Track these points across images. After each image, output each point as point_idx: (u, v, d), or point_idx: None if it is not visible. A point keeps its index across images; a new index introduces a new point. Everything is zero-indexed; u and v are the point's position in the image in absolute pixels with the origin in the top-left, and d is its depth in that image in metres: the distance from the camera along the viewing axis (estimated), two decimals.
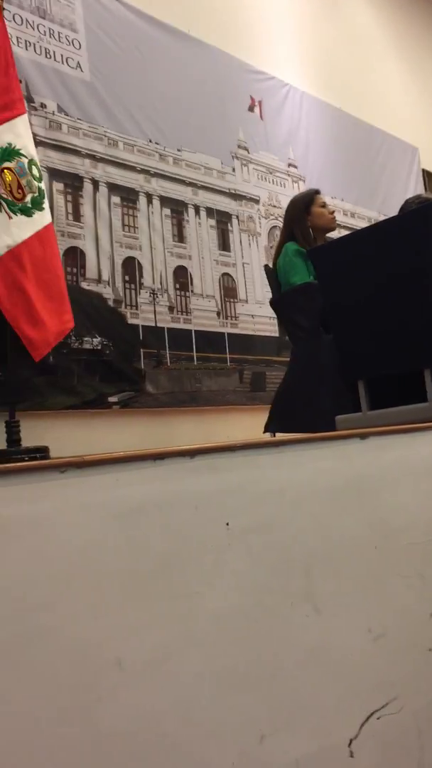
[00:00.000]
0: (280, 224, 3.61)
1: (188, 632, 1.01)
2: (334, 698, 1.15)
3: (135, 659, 0.95)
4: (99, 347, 3.26)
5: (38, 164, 2.81)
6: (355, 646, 1.20)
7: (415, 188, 5.74)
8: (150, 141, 3.72)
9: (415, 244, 1.94)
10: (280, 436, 2.62)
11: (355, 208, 5.18)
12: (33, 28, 3.25)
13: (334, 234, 3.17)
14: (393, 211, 4.76)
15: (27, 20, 3.24)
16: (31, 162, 2.75)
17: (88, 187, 3.39)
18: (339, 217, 3.81)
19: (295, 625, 1.13)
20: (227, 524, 1.08)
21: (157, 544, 1.01)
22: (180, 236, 3.83)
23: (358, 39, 5.63)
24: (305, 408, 2.71)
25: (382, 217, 5.13)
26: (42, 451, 2.65)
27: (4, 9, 2.85)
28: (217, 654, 1.03)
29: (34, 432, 2.79)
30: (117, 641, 0.94)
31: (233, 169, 4.23)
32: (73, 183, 3.32)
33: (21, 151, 2.72)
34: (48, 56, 3.28)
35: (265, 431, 2.94)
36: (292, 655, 1.12)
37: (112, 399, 3.27)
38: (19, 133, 2.74)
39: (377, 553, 1.28)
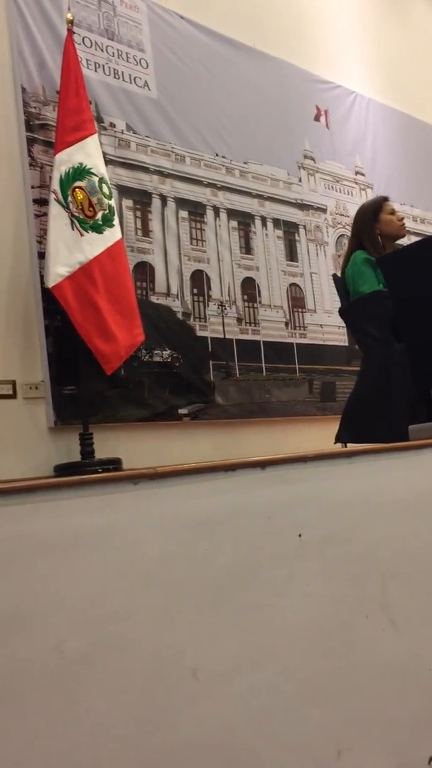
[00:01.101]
0: (348, 233, 3.58)
1: (262, 644, 1.00)
2: (412, 714, 1.13)
3: (210, 669, 0.95)
4: (169, 360, 3.30)
5: (108, 182, 2.89)
6: None
7: None
8: (216, 155, 3.75)
9: None
10: (351, 446, 2.58)
11: (425, 213, 5.08)
12: (102, 50, 3.34)
13: (404, 241, 3.12)
14: None
15: (96, 42, 3.33)
16: (101, 180, 2.83)
17: (156, 202, 3.45)
18: (408, 224, 3.74)
19: (371, 639, 1.11)
20: (300, 535, 1.08)
21: (230, 556, 1.01)
22: (247, 248, 3.84)
23: (423, 43, 5.55)
24: (377, 418, 2.67)
25: None
26: (115, 463, 2.70)
27: (73, 33, 2.95)
28: (292, 666, 1.02)
29: (107, 444, 2.85)
30: (192, 651, 0.95)
31: (300, 179, 4.22)
32: (141, 199, 3.39)
33: (92, 170, 2.80)
34: (117, 77, 3.36)
35: (336, 442, 2.91)
36: (368, 669, 1.10)
37: (183, 411, 3.30)
38: (90, 152, 2.82)
39: None
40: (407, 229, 3.21)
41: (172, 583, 0.96)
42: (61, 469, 2.65)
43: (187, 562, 0.98)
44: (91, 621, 0.89)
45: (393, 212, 3.05)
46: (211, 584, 0.99)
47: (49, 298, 2.68)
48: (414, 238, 3.43)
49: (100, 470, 2.60)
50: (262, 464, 1.07)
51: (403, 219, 3.09)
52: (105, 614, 0.90)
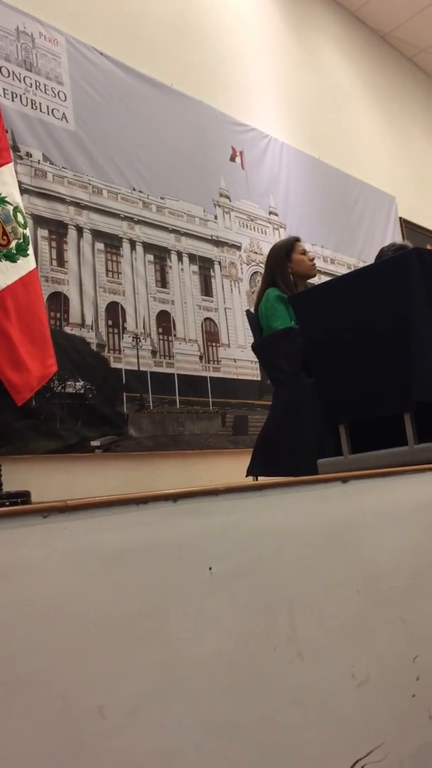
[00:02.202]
0: (262, 270, 3.68)
1: (172, 679, 1.00)
2: (321, 746, 1.14)
3: (117, 707, 0.94)
4: (82, 391, 3.26)
5: (23, 211, 2.86)
6: (340, 692, 1.19)
7: (393, 235, 5.88)
8: (134, 189, 3.79)
9: (394, 290, 1.99)
10: (262, 479, 2.62)
11: (335, 254, 5.28)
12: (20, 81, 3.33)
13: (315, 280, 3.23)
14: (371, 257, 4.87)
15: (14, 72, 3.32)
16: (16, 209, 2.80)
17: (72, 233, 3.44)
18: (319, 264, 3.88)
19: (279, 672, 1.13)
20: (210, 569, 1.08)
21: (141, 590, 1.01)
22: (163, 281, 3.88)
23: (335, 92, 5.82)
24: (287, 451, 2.72)
25: (361, 264, 5.23)
26: (23, 496, 2.63)
27: None
28: (202, 701, 1.02)
29: (16, 476, 2.77)
30: (99, 688, 0.93)
31: (215, 217, 4.31)
32: (57, 229, 3.37)
33: (6, 199, 2.77)
34: (34, 107, 3.36)
35: (247, 475, 2.95)
36: (276, 702, 1.11)
37: (95, 443, 3.26)
38: (5, 181, 2.79)
39: (360, 597, 1.28)
40: (318, 268, 3.33)
41: (81, 618, 0.95)
42: None
43: (98, 597, 0.97)
44: None
45: (304, 252, 3.16)
46: (121, 619, 0.98)
47: None
48: (324, 278, 3.56)
49: (8, 503, 2.53)
50: (174, 497, 1.08)
51: (313, 259, 3.21)
52: (11, 652, 0.88)
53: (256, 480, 2.80)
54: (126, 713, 0.94)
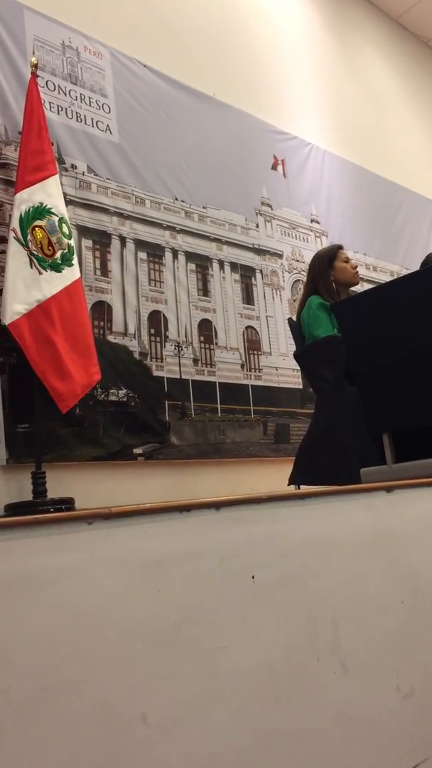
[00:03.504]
0: (304, 278, 3.67)
1: (213, 687, 1.00)
2: (364, 759, 1.13)
3: (160, 714, 0.94)
4: (125, 399, 3.29)
5: (68, 222, 2.91)
6: (384, 705, 1.17)
7: None
8: (176, 199, 3.82)
9: None
10: (304, 488, 2.61)
11: (378, 262, 5.23)
12: (65, 94, 3.40)
13: (358, 288, 3.21)
14: (415, 264, 4.81)
15: (59, 86, 3.38)
16: (61, 220, 2.85)
17: (115, 243, 3.48)
18: (362, 271, 3.84)
19: (322, 683, 1.12)
20: (253, 577, 1.08)
21: (183, 597, 1.01)
22: (205, 290, 3.89)
23: (377, 98, 5.79)
24: (330, 460, 2.70)
25: (404, 271, 5.18)
26: (68, 503, 2.67)
27: (37, 76, 3.00)
28: (244, 711, 1.01)
29: (60, 483, 2.81)
30: (142, 695, 0.94)
31: (257, 225, 4.31)
32: (101, 240, 3.42)
33: (52, 210, 2.82)
34: (79, 120, 3.41)
35: (289, 483, 2.93)
36: (320, 714, 1.10)
37: (137, 451, 3.28)
38: (51, 192, 2.84)
39: (404, 608, 1.26)
40: (361, 276, 3.30)
41: (124, 625, 0.95)
42: (12, 509, 2.60)
43: (141, 603, 0.97)
44: (41, 665, 0.88)
45: (347, 260, 3.14)
46: (164, 627, 0.98)
47: (5, 336, 2.67)
48: (367, 285, 3.53)
49: (53, 510, 2.56)
50: (217, 505, 1.08)
51: (356, 267, 3.18)
52: (55, 658, 0.89)
53: (299, 489, 2.79)
54: (169, 721, 0.94)
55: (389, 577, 1.26)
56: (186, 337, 3.70)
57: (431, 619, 1.30)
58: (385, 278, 5.03)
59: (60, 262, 2.80)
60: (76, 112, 3.42)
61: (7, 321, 2.59)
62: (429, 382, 1.97)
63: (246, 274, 4.18)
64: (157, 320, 3.59)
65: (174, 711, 0.96)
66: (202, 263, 3.92)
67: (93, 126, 3.48)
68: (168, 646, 0.98)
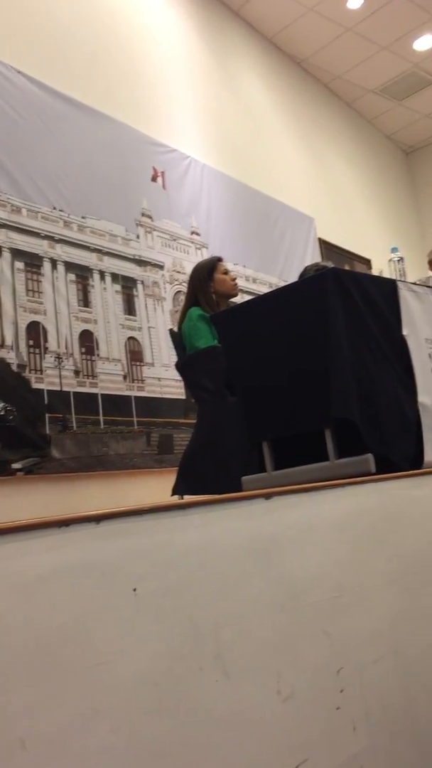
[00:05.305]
0: (185, 289, 3.70)
1: (97, 704, 0.98)
2: (248, 763, 1.14)
3: (40, 738, 0.91)
4: (2, 413, 3.19)
5: None
6: (265, 709, 1.20)
7: (313, 256, 6.02)
8: (54, 208, 3.75)
9: (313, 308, 2.03)
10: (188, 498, 2.62)
11: (257, 274, 5.36)
12: None
13: (237, 299, 3.27)
14: (293, 277, 4.97)
15: None
16: None
17: None
18: (241, 283, 3.93)
19: (205, 691, 1.12)
20: (134, 590, 1.07)
21: (64, 614, 0.99)
22: (85, 301, 3.85)
23: (254, 115, 5.94)
24: (212, 469, 2.73)
25: (282, 283, 5.33)
26: None
27: None
28: (128, 724, 1.00)
29: None
30: (21, 720, 0.91)
31: (138, 236, 4.31)
32: None
33: None
34: None
35: (173, 494, 2.93)
36: (204, 722, 1.10)
37: (16, 465, 3.19)
38: None
39: (284, 612, 1.29)
40: (239, 288, 3.37)
41: (3, 645, 0.92)
42: None
43: (18, 622, 0.94)
44: None
45: (226, 272, 3.20)
46: (45, 644, 0.96)
47: None
48: (247, 297, 3.60)
49: None
50: (97, 518, 1.07)
51: (235, 279, 3.25)
52: None
53: (182, 499, 2.80)
54: (49, 744, 0.92)
55: (269, 582, 1.29)
56: (66, 348, 3.64)
57: (310, 622, 1.34)
58: (264, 290, 5.16)
59: None
60: None
61: None
62: (305, 390, 2.04)
63: (127, 284, 4.16)
64: (36, 331, 3.50)
65: (55, 732, 0.93)
66: (82, 273, 3.87)
67: None
68: (49, 666, 0.95)
